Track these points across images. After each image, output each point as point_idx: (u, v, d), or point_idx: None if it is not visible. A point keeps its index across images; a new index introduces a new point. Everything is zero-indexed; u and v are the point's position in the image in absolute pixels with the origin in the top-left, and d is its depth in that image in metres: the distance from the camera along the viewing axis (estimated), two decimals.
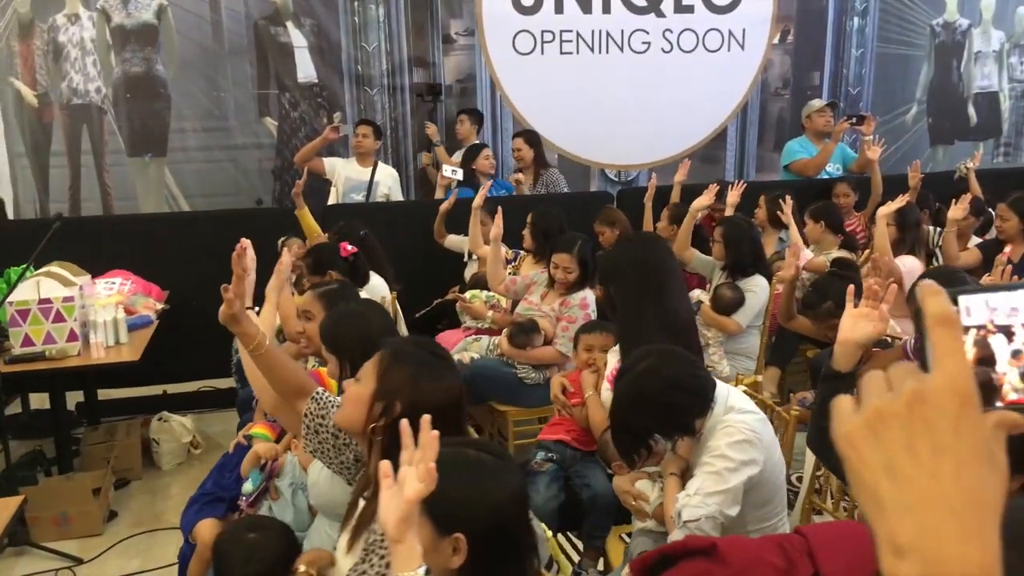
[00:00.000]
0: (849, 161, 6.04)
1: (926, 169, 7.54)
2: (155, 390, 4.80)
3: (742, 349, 4.05)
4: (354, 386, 1.76)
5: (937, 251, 4.89)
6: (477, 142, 6.00)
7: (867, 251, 4.89)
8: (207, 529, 2.40)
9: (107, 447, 4.08)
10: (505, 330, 3.74)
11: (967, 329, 0.63)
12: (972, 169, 5.77)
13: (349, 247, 3.52)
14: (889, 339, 3.29)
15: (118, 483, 4.00)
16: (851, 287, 1.88)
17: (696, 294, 4.15)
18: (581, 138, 7.00)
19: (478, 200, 4.36)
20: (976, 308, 0.63)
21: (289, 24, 6.37)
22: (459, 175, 5.46)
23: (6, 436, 3.46)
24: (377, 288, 3.93)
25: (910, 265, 4.09)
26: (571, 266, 3.65)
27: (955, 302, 0.62)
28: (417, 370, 1.72)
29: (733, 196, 4.89)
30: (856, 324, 1.78)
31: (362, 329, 2.14)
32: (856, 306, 1.82)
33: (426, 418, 1.14)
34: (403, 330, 4.05)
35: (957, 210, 4.41)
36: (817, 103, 6.12)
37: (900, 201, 4.17)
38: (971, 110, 7.92)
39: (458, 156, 5.93)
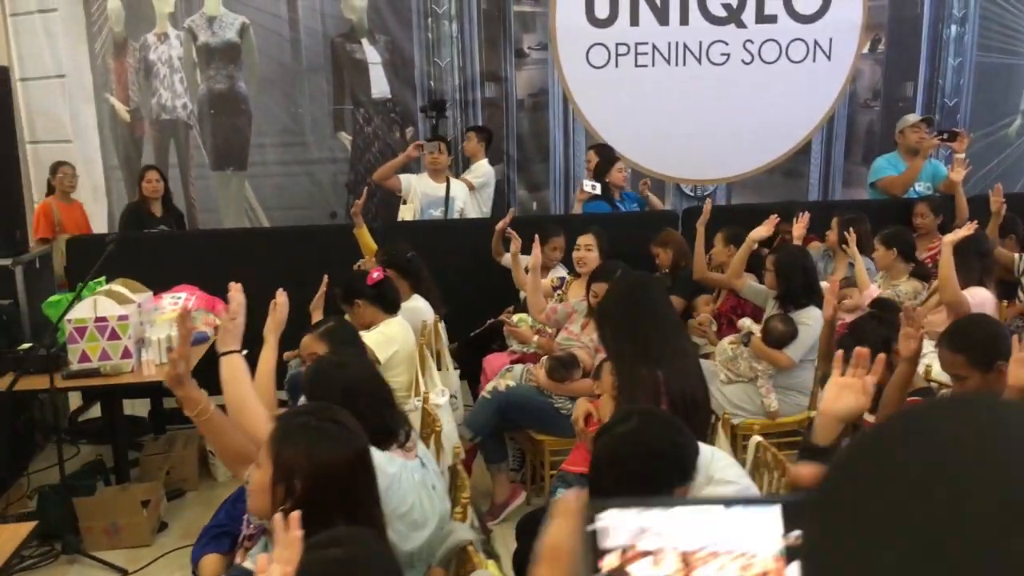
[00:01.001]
0: (939, 180, 5.71)
1: None
2: (217, 400, 4.96)
3: (794, 384, 3.88)
4: (256, 473, 1.72)
5: (1023, 280, 4.58)
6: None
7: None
8: (209, 565, 2.45)
9: (164, 457, 4.24)
10: (543, 362, 3.70)
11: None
12: None
13: (376, 275, 3.54)
14: (935, 385, 3.09)
15: (174, 494, 4.16)
16: (839, 352, 1.76)
17: (747, 324, 4.01)
18: (655, 152, 6.86)
19: (502, 224, 4.35)
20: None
21: (364, 41, 6.49)
22: (598, 189, 5.47)
23: (60, 446, 3.64)
24: (420, 312, 3.96)
25: (981, 297, 3.83)
26: None
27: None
28: (310, 443, 1.67)
29: (799, 229, 4.70)
30: (840, 395, 1.67)
31: (340, 380, 2.13)
32: (844, 373, 1.71)
33: (294, 516, 1.13)
34: (445, 356, 4.07)
35: None
36: (912, 118, 5.81)
37: (968, 228, 3.91)
38: None
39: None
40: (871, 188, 5.85)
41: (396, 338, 3.52)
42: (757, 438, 2.71)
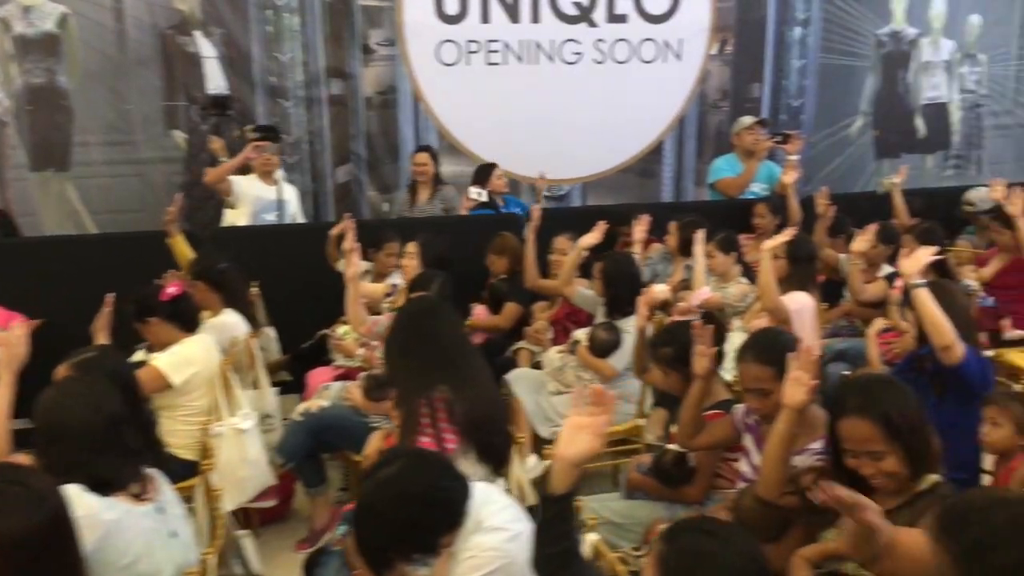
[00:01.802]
0: (776, 181, 5.81)
1: (869, 184, 7.35)
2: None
3: (621, 392, 3.79)
4: None
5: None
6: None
7: None
8: None
9: None
10: (360, 381, 3.52)
11: None
12: (898, 185, 5.53)
13: (171, 290, 3.28)
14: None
15: None
16: (578, 389, 1.65)
17: (576, 334, 3.93)
18: (509, 152, 6.71)
19: (337, 229, 4.16)
20: None
21: (197, 33, 6.12)
22: (484, 196, 5.33)
23: None
24: (230, 327, 3.70)
25: (800, 302, 3.85)
26: None
27: None
28: None
29: (639, 232, 4.68)
30: (573, 439, 1.56)
31: (57, 423, 1.90)
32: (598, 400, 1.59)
33: None
34: (261, 374, 3.83)
35: (860, 242, 4.19)
36: (747, 120, 5.88)
37: (788, 233, 3.94)
38: (919, 122, 7.68)
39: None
40: (710, 189, 5.91)
41: (195, 359, 3.27)
42: None
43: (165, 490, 2.06)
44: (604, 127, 6.87)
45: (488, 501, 1.85)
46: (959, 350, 2.65)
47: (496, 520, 1.82)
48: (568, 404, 3.78)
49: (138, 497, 1.94)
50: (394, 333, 2.56)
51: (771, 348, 2.37)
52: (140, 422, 2.25)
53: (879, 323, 3.83)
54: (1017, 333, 4.75)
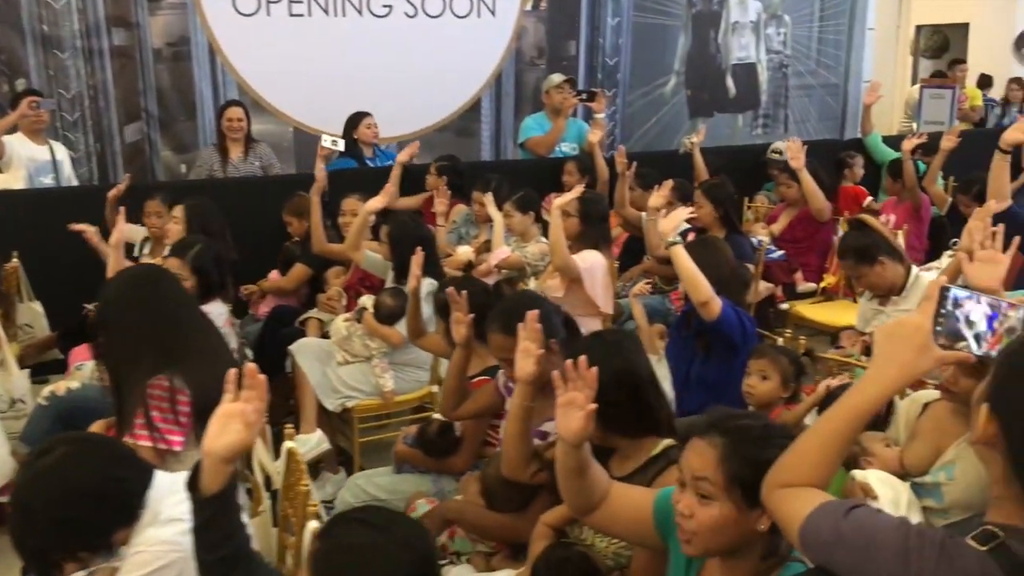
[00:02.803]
0: (584, 140, 5.78)
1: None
2: None
3: (412, 359, 3.67)
4: None
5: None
6: (359, 111, 5.46)
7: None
8: None
9: None
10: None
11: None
12: (696, 144, 5.62)
13: None
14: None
15: None
16: (248, 367, 1.47)
17: (363, 301, 3.74)
18: (318, 109, 6.40)
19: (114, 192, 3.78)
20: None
21: None
22: (340, 146, 4.86)
23: None
24: None
25: (591, 261, 3.81)
26: (184, 275, 3.13)
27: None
28: None
29: (441, 204, 4.57)
30: (223, 429, 1.39)
31: None
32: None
33: None
34: (8, 357, 3.43)
35: (656, 198, 4.18)
36: (556, 78, 5.80)
37: (578, 191, 3.88)
38: (730, 82, 7.88)
39: None
40: (520, 148, 5.82)
41: None
42: None
43: None
44: (418, 84, 6.64)
45: (173, 491, 1.65)
46: (716, 305, 2.64)
47: (175, 511, 1.62)
48: (356, 375, 3.65)
49: None
50: (107, 306, 2.27)
51: (514, 315, 2.26)
52: None
53: (640, 287, 3.84)
54: (809, 285, 4.94)
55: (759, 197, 5.83)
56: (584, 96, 5.61)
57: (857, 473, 2.18)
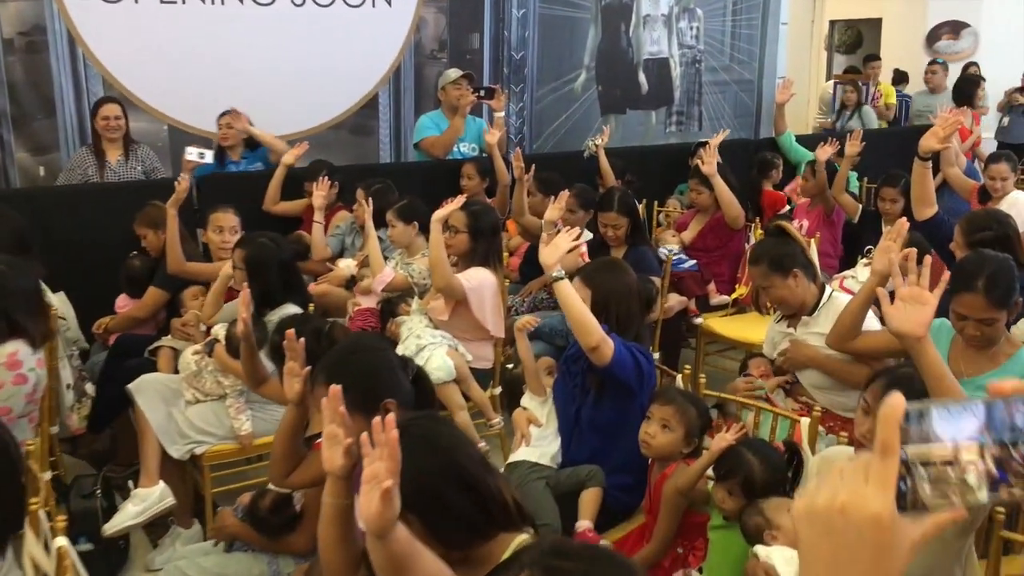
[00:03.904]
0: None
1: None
2: None
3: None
4: None
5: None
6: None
7: None
8: None
9: None
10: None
11: None
12: (601, 147, 5.28)
13: None
14: None
15: None
16: None
17: (215, 331, 3.26)
18: (196, 106, 5.83)
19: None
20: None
21: None
22: (208, 158, 4.41)
23: None
24: None
25: (479, 279, 3.40)
26: None
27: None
28: None
29: (319, 198, 4.10)
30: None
31: None
32: None
33: None
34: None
35: (552, 210, 3.81)
36: (452, 73, 5.38)
37: (459, 201, 3.45)
38: (642, 77, 7.56)
39: None
40: (415, 149, 5.39)
41: None
42: None
43: None
44: (307, 79, 6.13)
45: None
46: (607, 350, 2.27)
47: None
48: (208, 415, 3.16)
49: None
50: None
51: (345, 369, 1.86)
52: None
53: (526, 320, 3.44)
54: (723, 298, 4.61)
55: (671, 201, 5.52)
56: (482, 93, 5.20)
57: (760, 550, 1.83)
